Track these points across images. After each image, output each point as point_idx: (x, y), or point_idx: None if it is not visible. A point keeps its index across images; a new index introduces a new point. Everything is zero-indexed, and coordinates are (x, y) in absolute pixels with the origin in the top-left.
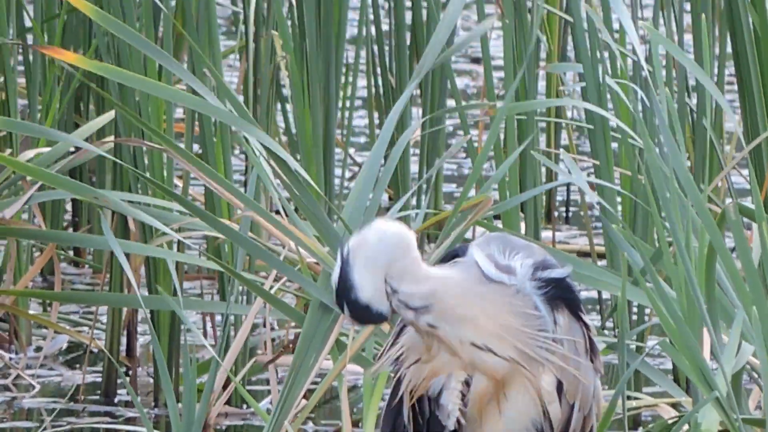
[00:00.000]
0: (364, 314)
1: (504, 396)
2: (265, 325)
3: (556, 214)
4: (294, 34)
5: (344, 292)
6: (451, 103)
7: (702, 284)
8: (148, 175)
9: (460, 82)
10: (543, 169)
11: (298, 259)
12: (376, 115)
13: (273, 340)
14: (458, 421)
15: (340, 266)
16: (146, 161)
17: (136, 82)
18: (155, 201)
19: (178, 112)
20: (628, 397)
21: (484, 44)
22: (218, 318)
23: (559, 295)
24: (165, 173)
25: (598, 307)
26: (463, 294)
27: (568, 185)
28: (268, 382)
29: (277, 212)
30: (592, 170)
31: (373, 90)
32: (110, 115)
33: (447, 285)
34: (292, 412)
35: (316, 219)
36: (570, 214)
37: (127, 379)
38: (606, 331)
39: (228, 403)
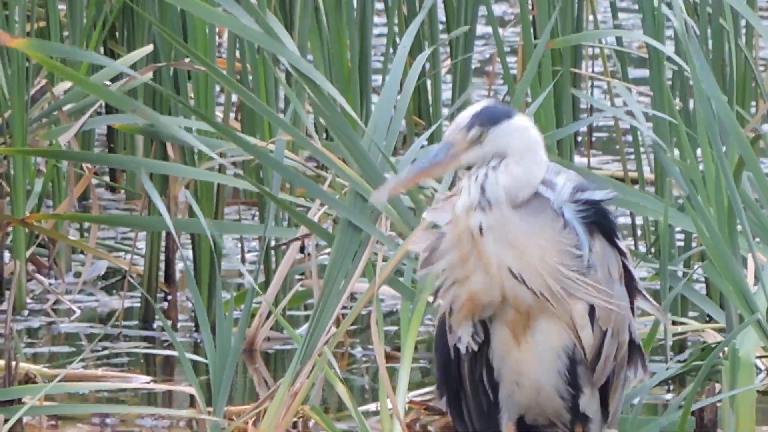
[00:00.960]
0: (488, 117)
1: (533, 323)
2: (302, 250)
3: (583, 139)
4: None
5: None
6: (485, 30)
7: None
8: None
9: (498, 8)
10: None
11: (333, 183)
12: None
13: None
14: (484, 345)
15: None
16: (189, 93)
17: (180, 1)
18: (195, 125)
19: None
20: (673, 323)
21: None
22: (254, 243)
23: (596, 220)
24: (206, 102)
25: (632, 233)
26: (520, 222)
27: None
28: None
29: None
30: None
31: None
32: (148, 48)
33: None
34: (323, 339)
35: (348, 141)
36: (593, 139)
37: (166, 304)
38: (650, 256)
39: (275, 328)
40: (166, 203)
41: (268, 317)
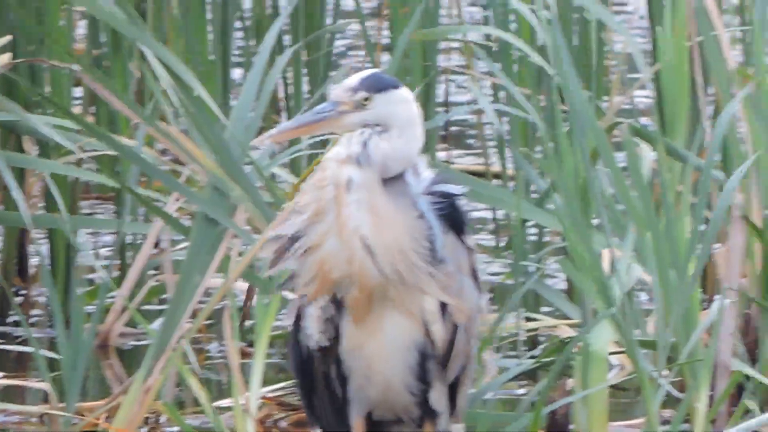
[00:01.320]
0: (374, 83)
1: (381, 314)
2: (156, 246)
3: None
4: None
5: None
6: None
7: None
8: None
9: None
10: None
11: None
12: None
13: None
14: (334, 342)
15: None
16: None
17: None
18: (53, 120)
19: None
20: (527, 319)
21: None
22: (108, 238)
23: (450, 213)
24: (62, 96)
25: (492, 226)
26: (389, 194)
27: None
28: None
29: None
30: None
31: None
32: (7, 38)
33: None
34: (177, 334)
35: (208, 133)
36: (448, 133)
37: (21, 299)
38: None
39: (131, 324)
40: (24, 198)
41: (123, 313)
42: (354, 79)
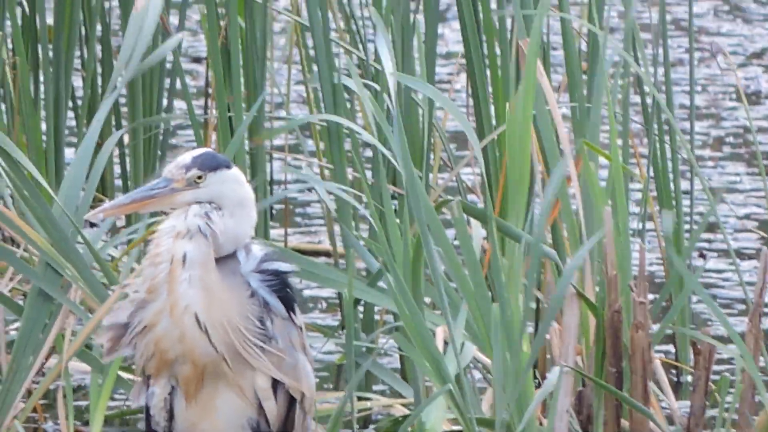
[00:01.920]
0: (206, 162)
1: (214, 392)
2: None
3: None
4: (24, 38)
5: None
6: (178, 104)
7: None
8: None
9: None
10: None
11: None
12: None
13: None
14: (171, 414)
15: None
16: None
17: None
18: None
19: None
20: (359, 398)
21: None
22: None
23: (279, 291)
24: None
25: (324, 305)
26: (220, 271)
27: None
28: None
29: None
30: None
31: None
32: None
33: (212, 255)
34: (11, 414)
35: (40, 212)
36: (279, 210)
37: None
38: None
39: None
40: None
41: None
42: (187, 157)
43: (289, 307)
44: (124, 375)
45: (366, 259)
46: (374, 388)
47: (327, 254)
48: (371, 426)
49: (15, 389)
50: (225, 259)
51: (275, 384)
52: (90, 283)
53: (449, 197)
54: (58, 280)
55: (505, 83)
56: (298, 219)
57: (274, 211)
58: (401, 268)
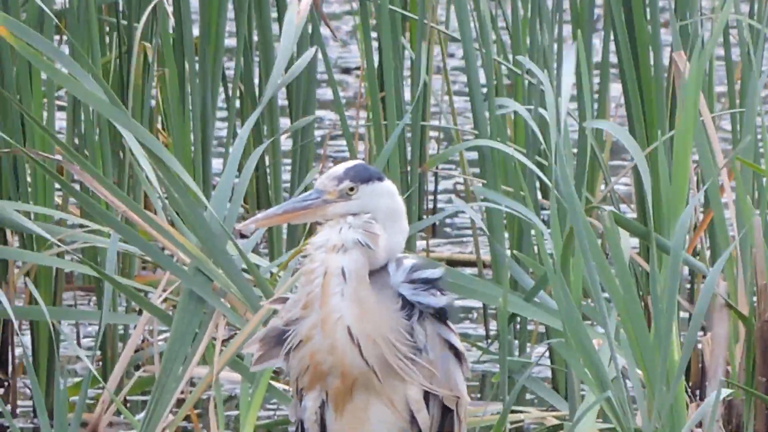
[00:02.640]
0: (359, 173)
1: (366, 404)
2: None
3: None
4: (173, 48)
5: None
6: (321, 113)
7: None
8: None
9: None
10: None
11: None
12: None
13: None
14: (323, 427)
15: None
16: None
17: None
18: (35, 209)
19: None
20: (513, 411)
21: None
22: (91, 329)
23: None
24: (45, 186)
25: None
26: (374, 284)
27: (435, 194)
28: None
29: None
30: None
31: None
32: None
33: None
34: (161, 425)
35: (192, 218)
36: (436, 222)
37: (3, 390)
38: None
39: (119, 413)
40: (5, 289)
41: (111, 403)
42: (339, 169)
43: (443, 314)
44: (276, 385)
45: (516, 273)
46: (527, 397)
47: (474, 264)
48: None
49: (165, 399)
50: (375, 272)
51: (427, 394)
52: (242, 290)
53: (601, 206)
54: (209, 286)
55: (659, 97)
56: (447, 229)
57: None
58: (565, 283)
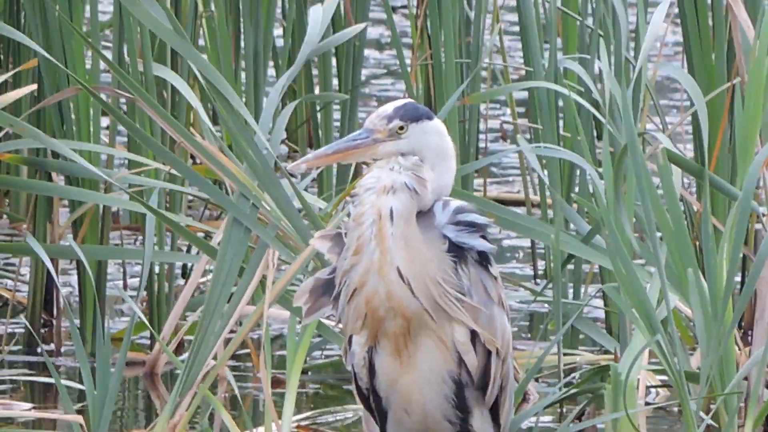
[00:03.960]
0: (408, 112)
1: (415, 347)
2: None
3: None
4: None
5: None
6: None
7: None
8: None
9: (375, 31)
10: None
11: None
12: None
13: None
14: (372, 371)
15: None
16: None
17: None
18: (82, 146)
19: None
20: (565, 354)
21: None
22: (137, 268)
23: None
24: (89, 125)
25: (532, 258)
26: (420, 225)
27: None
28: None
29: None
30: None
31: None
32: (32, 87)
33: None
34: (203, 370)
35: (244, 143)
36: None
37: (49, 330)
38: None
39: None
40: (51, 229)
41: (169, 343)
42: (389, 108)
43: (485, 259)
44: (326, 322)
45: (569, 214)
46: (579, 337)
47: (521, 203)
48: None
49: (209, 340)
50: (421, 213)
51: (473, 338)
52: (294, 222)
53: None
54: (255, 216)
55: (719, 36)
56: (493, 169)
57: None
58: (621, 227)
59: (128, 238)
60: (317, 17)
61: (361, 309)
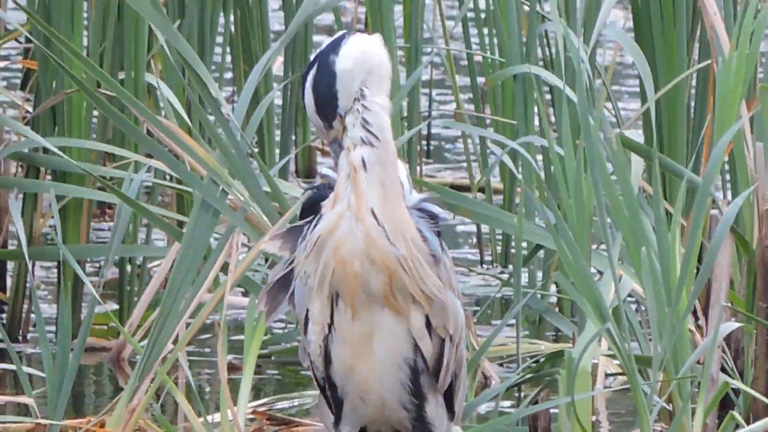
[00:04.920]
0: (329, 107)
1: (372, 338)
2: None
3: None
4: None
5: (323, 87)
6: (319, 38)
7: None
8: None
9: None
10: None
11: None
12: None
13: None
14: (327, 360)
15: (326, 58)
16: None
17: None
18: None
19: None
20: (529, 342)
21: None
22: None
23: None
24: (80, 121)
25: (476, 240)
26: (394, 171)
27: (429, 122)
28: None
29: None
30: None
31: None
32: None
33: (393, 154)
34: (163, 353)
35: (215, 129)
36: (431, 148)
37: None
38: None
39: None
40: (36, 221)
41: (137, 329)
42: (314, 115)
43: (440, 247)
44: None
45: (540, 212)
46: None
47: (467, 189)
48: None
49: (170, 324)
50: None
51: (428, 325)
52: (262, 206)
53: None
54: (224, 200)
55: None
56: (446, 155)
57: (425, 147)
58: (574, 211)
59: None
60: None
61: (329, 263)
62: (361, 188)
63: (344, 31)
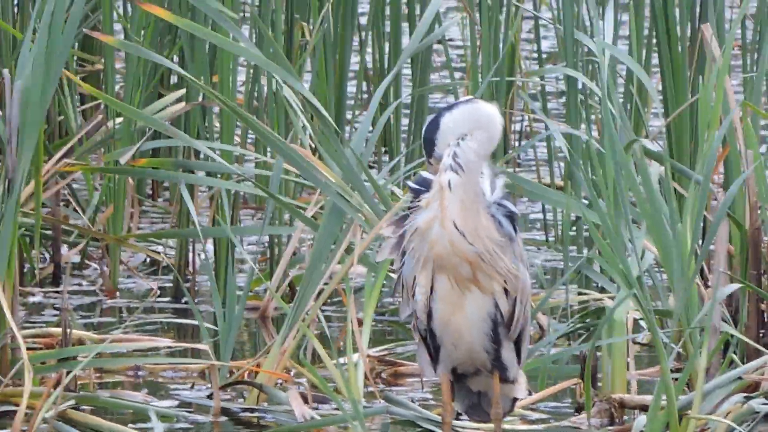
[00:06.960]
0: (429, 147)
1: (464, 298)
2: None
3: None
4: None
5: (430, 131)
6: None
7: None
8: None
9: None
10: None
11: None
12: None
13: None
14: (429, 315)
15: (439, 115)
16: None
17: (209, 36)
18: (217, 146)
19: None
20: (579, 293)
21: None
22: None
23: (509, 218)
24: (228, 129)
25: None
26: (475, 196)
27: None
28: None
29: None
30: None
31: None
32: (179, 92)
33: (474, 181)
34: (306, 309)
35: (334, 152)
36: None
37: (193, 285)
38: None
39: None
40: (196, 209)
41: (277, 291)
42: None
43: (514, 230)
44: (392, 275)
45: (586, 188)
46: (593, 285)
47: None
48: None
49: (311, 289)
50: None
51: (505, 289)
52: (373, 208)
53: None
54: (347, 206)
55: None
56: (519, 161)
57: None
58: (609, 197)
59: (258, 215)
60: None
61: (425, 251)
62: (444, 203)
63: (471, 97)
